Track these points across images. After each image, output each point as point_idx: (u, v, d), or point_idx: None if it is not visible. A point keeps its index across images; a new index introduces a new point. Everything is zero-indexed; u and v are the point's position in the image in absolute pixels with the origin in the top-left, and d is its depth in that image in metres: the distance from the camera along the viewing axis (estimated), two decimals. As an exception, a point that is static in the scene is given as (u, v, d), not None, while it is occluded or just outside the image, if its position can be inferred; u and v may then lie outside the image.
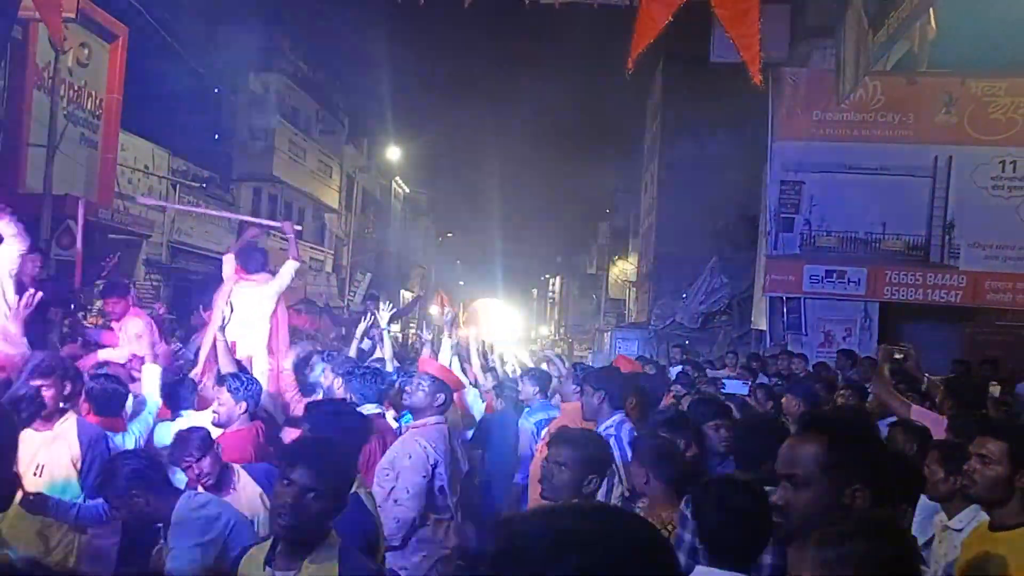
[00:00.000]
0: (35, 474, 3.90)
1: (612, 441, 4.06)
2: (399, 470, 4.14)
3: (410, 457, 4.16)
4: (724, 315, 16.97)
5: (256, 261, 6.72)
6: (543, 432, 5.28)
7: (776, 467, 2.04)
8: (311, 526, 2.56)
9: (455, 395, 4.91)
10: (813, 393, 6.38)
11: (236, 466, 3.85)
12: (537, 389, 6.67)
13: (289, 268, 6.65)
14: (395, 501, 4.05)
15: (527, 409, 6.58)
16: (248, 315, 6.30)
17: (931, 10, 8.43)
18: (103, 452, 4.04)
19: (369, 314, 7.93)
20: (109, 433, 4.31)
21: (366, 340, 8.08)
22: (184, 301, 15.42)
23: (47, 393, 3.97)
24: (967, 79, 11.09)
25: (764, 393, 6.74)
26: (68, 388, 4.10)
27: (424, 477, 4.15)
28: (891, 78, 11.13)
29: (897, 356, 5.62)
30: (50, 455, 3.97)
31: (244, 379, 4.69)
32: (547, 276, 70.13)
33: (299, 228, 7.99)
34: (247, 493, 3.73)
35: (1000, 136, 10.99)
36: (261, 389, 4.82)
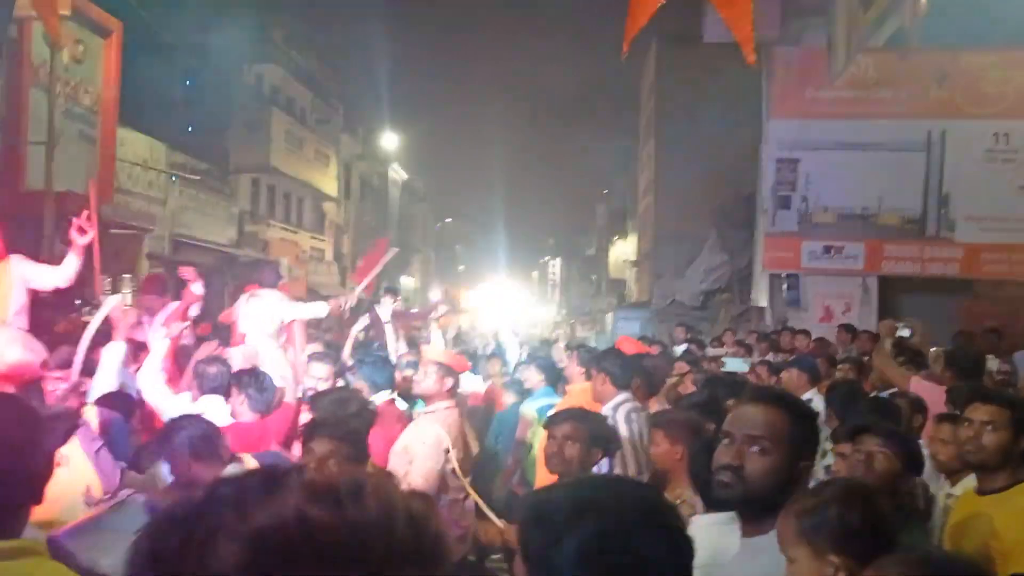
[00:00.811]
0: (56, 464, 4.02)
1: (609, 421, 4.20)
2: (413, 455, 4.25)
3: (424, 443, 4.27)
4: (725, 293, 17.05)
5: (269, 278, 7.08)
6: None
7: (733, 427, 2.07)
8: None
9: None
10: (814, 368, 6.50)
11: (244, 455, 3.97)
12: (542, 376, 6.78)
13: (317, 309, 6.94)
14: (408, 485, 4.18)
15: (529, 395, 6.70)
16: (258, 327, 6.62)
17: (922, -14, 8.48)
18: (121, 434, 4.15)
19: (366, 313, 8.08)
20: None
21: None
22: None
23: (62, 385, 4.10)
24: (959, 54, 11.14)
25: (766, 370, 6.86)
26: (85, 384, 4.22)
27: (437, 463, 4.26)
28: (883, 54, 11.15)
29: (902, 332, 5.71)
30: (70, 446, 4.09)
31: (250, 375, 4.82)
32: (547, 258, 70.17)
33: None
34: None
35: (992, 109, 11.06)
36: (269, 385, 4.95)
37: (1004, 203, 11.11)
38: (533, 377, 6.75)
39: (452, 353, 5.52)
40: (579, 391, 5.38)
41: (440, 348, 6.47)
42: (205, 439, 3.63)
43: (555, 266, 67.21)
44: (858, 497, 1.86)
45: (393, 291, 10.06)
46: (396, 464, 4.26)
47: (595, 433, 3.47)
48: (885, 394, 5.09)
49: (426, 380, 4.56)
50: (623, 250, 35.88)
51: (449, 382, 4.55)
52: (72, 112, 15.91)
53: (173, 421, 3.81)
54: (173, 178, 19.87)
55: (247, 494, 0.62)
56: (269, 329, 6.70)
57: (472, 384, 7.36)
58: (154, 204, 19.22)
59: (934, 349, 6.41)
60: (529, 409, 6.41)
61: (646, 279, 25.22)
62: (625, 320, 19.75)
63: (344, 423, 3.08)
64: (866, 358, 7.08)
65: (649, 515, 1.26)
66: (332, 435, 2.89)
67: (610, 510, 1.24)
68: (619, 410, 4.56)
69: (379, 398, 4.80)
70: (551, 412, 4.85)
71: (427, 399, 4.57)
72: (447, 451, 4.33)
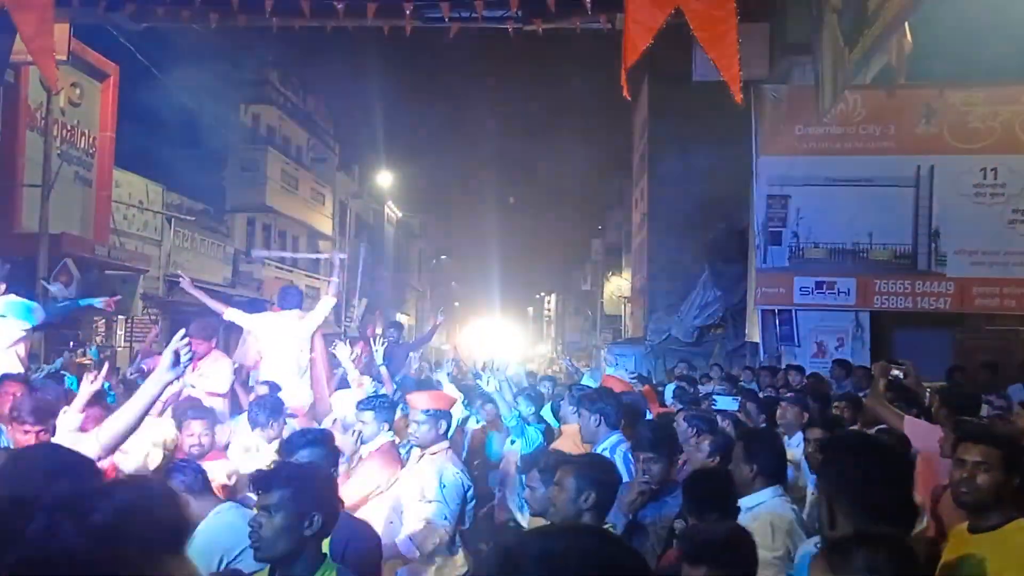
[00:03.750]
0: None
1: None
2: (432, 495, 4.24)
3: (444, 485, 4.27)
4: (719, 328, 17.04)
5: (291, 299, 7.24)
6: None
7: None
8: (289, 544, 2.64)
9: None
10: (807, 404, 6.48)
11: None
12: (533, 409, 6.75)
13: (327, 304, 7.06)
14: (427, 521, 4.15)
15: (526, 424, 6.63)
16: (282, 347, 6.75)
17: (906, 25, 8.63)
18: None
19: (360, 350, 8.10)
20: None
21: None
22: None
23: (26, 438, 4.00)
24: (945, 90, 11.26)
25: (756, 407, 6.84)
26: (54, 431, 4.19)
27: (461, 502, 4.29)
28: (871, 91, 11.29)
29: (896, 372, 5.68)
30: None
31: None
32: (542, 294, 70.35)
33: (343, 256, 8.77)
34: None
35: (980, 144, 11.14)
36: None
37: (994, 237, 11.15)
38: (525, 410, 6.71)
39: (436, 392, 5.49)
40: (573, 431, 5.35)
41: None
42: (198, 479, 3.66)
43: (550, 302, 67.30)
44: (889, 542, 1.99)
45: (396, 325, 10.13)
46: (411, 504, 4.26)
47: (591, 479, 3.40)
48: (873, 430, 5.07)
49: (421, 431, 4.50)
50: (618, 285, 35.97)
51: (443, 425, 4.55)
52: (68, 154, 16.04)
53: (169, 467, 3.83)
54: (169, 220, 19.95)
55: None
56: (296, 347, 6.87)
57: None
58: (149, 244, 19.28)
59: (929, 389, 6.39)
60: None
61: (641, 314, 25.24)
62: (620, 356, 19.69)
63: (288, 472, 3.04)
64: (861, 394, 7.07)
65: (612, 570, 1.28)
66: (275, 488, 2.76)
67: (573, 564, 1.26)
68: (616, 451, 4.54)
69: (381, 439, 4.78)
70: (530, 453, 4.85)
71: (426, 446, 4.52)
72: (467, 490, 4.37)
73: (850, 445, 3.06)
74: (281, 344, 6.92)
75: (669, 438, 4.17)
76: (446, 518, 4.17)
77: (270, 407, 5.26)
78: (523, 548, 1.33)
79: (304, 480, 2.75)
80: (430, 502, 4.19)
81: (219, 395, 6.34)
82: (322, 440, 3.51)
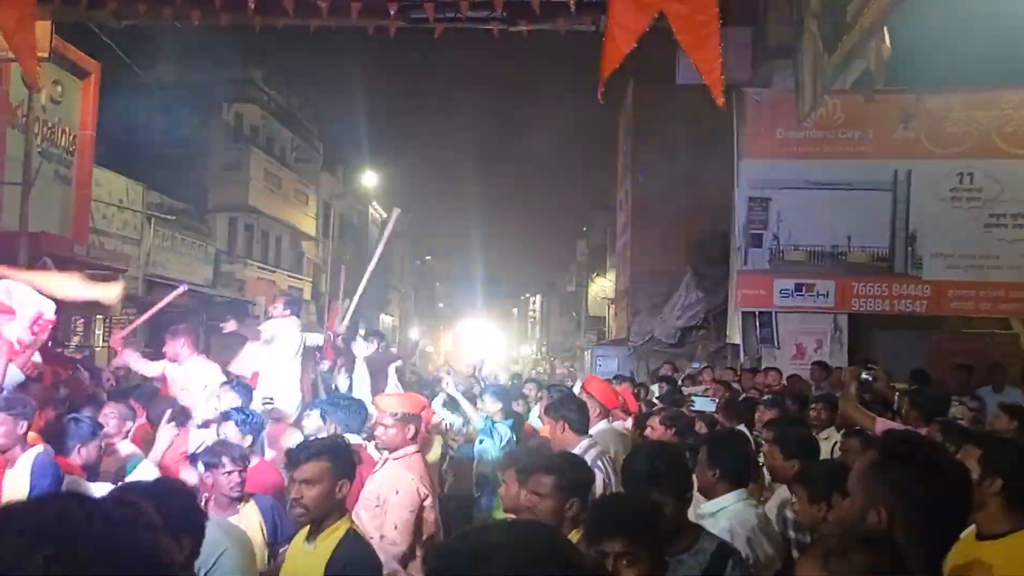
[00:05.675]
0: None
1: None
2: (385, 503, 4.12)
3: (397, 492, 4.13)
4: (701, 330, 17.14)
5: (296, 307, 7.50)
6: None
7: None
8: (316, 511, 3.26)
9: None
10: (785, 406, 6.55)
11: (249, 494, 4.00)
12: (500, 405, 6.68)
13: (315, 337, 7.14)
14: (382, 536, 3.99)
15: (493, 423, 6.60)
16: (283, 351, 6.97)
17: (885, 31, 8.72)
18: (48, 478, 4.09)
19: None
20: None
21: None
22: (161, 334, 15.42)
23: (2, 429, 4.14)
24: (923, 96, 11.38)
25: (733, 408, 6.90)
26: (23, 427, 4.24)
27: (412, 512, 4.12)
28: (850, 96, 11.40)
29: (865, 376, 5.75)
30: (8, 490, 4.11)
31: (248, 412, 4.83)
32: (527, 295, 70.42)
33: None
34: (249, 520, 3.86)
35: (957, 149, 11.27)
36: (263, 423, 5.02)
37: (969, 241, 11.27)
38: (491, 406, 6.67)
39: (406, 394, 5.43)
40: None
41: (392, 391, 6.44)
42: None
43: (535, 303, 67.36)
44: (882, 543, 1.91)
45: (377, 334, 10.10)
46: (370, 512, 4.15)
47: (569, 482, 3.25)
48: (839, 434, 5.15)
49: (388, 435, 4.35)
50: (602, 287, 36.04)
51: (411, 429, 4.38)
52: (48, 152, 15.91)
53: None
54: (149, 219, 19.82)
55: None
56: (291, 354, 6.94)
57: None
58: (129, 244, 19.15)
59: (897, 392, 6.47)
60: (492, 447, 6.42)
61: (624, 316, 25.31)
62: (603, 357, 19.78)
63: (322, 445, 3.52)
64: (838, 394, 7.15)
65: (552, 558, 1.26)
66: (309, 460, 3.34)
67: (511, 554, 1.23)
68: (585, 456, 4.51)
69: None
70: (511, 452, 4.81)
71: (393, 451, 4.38)
72: (424, 499, 4.22)
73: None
74: (282, 348, 7.00)
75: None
76: (396, 527, 4.04)
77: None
78: (453, 546, 1.30)
79: (337, 451, 3.35)
80: (380, 510, 4.09)
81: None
82: (327, 451, 3.36)
